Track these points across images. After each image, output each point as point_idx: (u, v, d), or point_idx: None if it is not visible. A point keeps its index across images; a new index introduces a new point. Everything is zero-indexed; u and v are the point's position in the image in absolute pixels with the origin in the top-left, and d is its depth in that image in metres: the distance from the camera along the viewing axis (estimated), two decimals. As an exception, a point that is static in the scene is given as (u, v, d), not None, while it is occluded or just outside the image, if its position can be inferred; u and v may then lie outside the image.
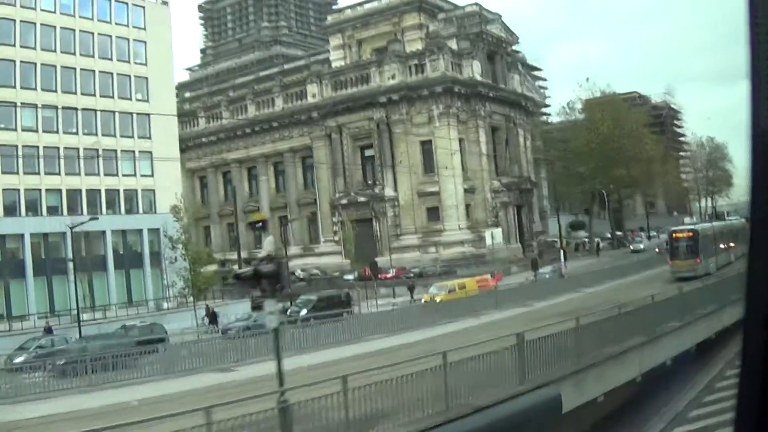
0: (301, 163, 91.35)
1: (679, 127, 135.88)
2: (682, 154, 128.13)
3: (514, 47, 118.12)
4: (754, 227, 2.45)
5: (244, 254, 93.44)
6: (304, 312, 44.72)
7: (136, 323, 41.52)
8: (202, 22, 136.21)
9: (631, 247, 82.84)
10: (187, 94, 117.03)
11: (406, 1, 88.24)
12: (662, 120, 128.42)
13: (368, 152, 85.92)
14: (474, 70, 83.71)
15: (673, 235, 49.28)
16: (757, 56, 2.32)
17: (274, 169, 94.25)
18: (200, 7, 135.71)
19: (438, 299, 42.28)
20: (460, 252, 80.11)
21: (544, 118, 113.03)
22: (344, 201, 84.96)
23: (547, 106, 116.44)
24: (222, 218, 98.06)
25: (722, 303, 27.83)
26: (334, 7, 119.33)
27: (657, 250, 71.41)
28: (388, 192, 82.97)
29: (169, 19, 67.13)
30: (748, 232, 2.45)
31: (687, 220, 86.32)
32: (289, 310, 47.47)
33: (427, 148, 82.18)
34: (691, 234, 47.49)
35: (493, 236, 63.72)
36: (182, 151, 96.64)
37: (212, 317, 44.85)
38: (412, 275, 72.44)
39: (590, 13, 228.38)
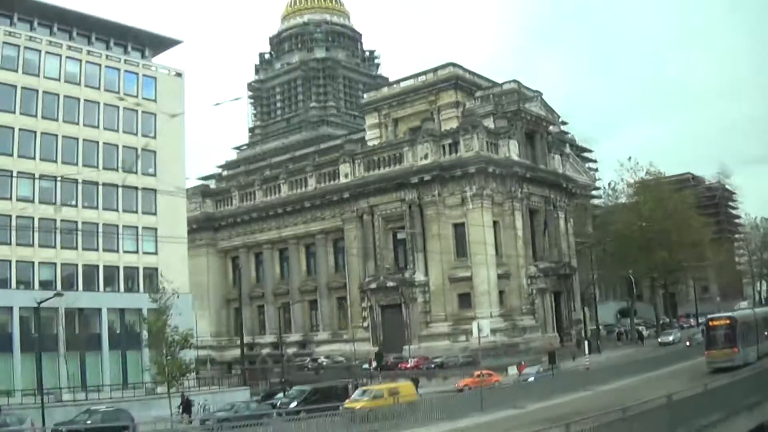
0: (332, 245, 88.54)
1: (734, 208, 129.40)
2: (737, 236, 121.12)
3: (562, 127, 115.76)
4: None
5: (271, 338, 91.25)
6: (293, 404, 41.27)
7: (101, 408, 39.00)
8: (252, 101, 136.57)
9: (659, 340, 76.59)
10: (225, 173, 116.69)
11: (443, 79, 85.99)
12: (716, 201, 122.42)
13: (401, 235, 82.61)
14: (510, 149, 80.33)
15: (710, 323, 45.88)
16: None
17: (305, 250, 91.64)
18: (249, 86, 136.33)
19: (358, 406, 34.46)
20: (491, 341, 75.40)
21: (594, 201, 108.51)
22: (373, 285, 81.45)
23: (597, 188, 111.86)
24: (253, 300, 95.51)
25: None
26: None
27: (687, 342, 66.00)
28: (419, 277, 79.24)
29: (182, 91, 65.65)
30: None
31: (743, 304, 79.94)
32: (279, 402, 44.94)
33: (460, 231, 78.56)
34: (728, 321, 44.12)
35: (480, 328, 59.82)
36: (215, 230, 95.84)
37: (186, 406, 41.69)
38: (433, 365, 68.19)
39: (650, 93, 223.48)
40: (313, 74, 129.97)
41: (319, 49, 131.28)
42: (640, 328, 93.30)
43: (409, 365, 68.81)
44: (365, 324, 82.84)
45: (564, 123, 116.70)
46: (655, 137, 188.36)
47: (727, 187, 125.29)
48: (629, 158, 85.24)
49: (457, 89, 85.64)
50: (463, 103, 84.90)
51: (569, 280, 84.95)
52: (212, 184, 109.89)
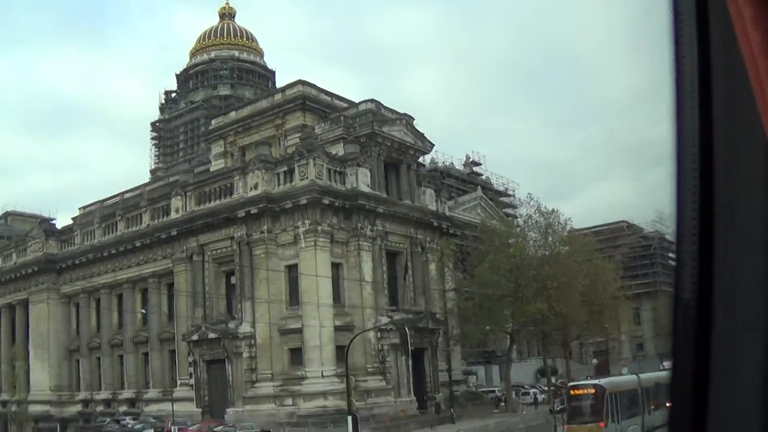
0: (166, 289, 76.46)
1: (674, 260, 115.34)
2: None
3: (474, 169, 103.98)
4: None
5: (106, 394, 79.60)
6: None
7: None
8: (155, 141, 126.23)
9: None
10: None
11: (290, 99, 74.87)
12: (652, 252, 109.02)
13: (234, 278, 70.63)
14: (359, 179, 68.36)
15: (570, 392, 41.60)
16: None
17: (141, 296, 79.54)
18: (153, 125, 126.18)
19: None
20: (320, 406, 62.50)
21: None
22: (195, 337, 69.01)
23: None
24: (92, 351, 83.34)
25: None
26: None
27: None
28: (245, 328, 66.70)
29: None
30: None
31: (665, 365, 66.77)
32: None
33: (294, 274, 66.34)
34: (593, 391, 39.19)
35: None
36: (58, 273, 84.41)
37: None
38: None
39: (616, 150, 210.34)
40: (215, 112, 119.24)
41: (224, 86, 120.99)
42: (534, 391, 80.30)
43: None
44: (191, 381, 70.36)
45: (476, 164, 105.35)
46: (623, 193, 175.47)
47: (666, 237, 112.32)
48: (528, 195, 73.36)
49: (306, 111, 74.38)
50: (312, 127, 73.32)
51: (434, 334, 71.73)
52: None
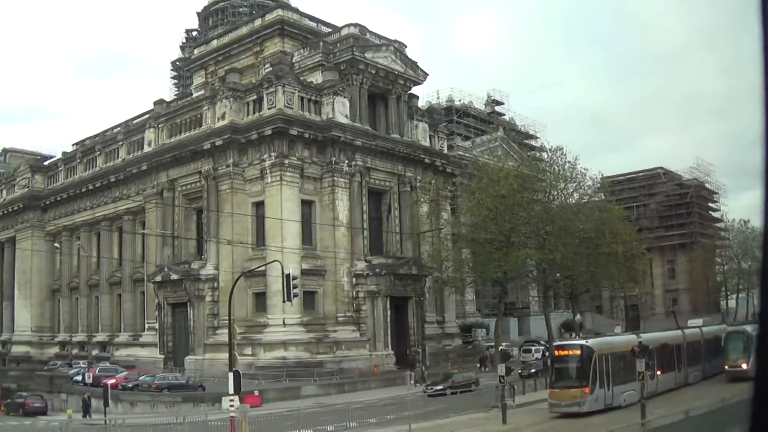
0: (141, 228, 71.51)
1: (714, 210, 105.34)
2: (717, 242, 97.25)
3: (496, 108, 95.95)
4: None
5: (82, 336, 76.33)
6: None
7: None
8: (176, 81, 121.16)
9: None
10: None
11: (268, 24, 68.19)
12: (688, 201, 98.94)
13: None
14: (336, 109, 61.64)
15: (555, 353, 36.83)
16: None
17: (118, 234, 75.07)
18: (173, 64, 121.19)
19: None
20: (280, 357, 57.05)
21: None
22: (158, 278, 64.26)
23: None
24: (72, 291, 79.75)
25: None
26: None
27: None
28: (208, 269, 61.53)
29: None
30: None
31: (697, 321, 58.69)
32: None
33: (261, 212, 60.57)
34: (578, 352, 34.63)
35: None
36: (43, 210, 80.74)
37: None
38: (130, 386, 50.17)
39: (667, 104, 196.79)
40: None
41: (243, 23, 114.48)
42: (541, 347, 73.05)
43: (114, 381, 51.00)
44: (157, 325, 65.92)
45: (499, 103, 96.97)
46: (672, 147, 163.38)
47: (706, 185, 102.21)
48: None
49: (285, 36, 67.88)
50: (291, 54, 66.64)
51: (419, 282, 65.03)
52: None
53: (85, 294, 77.21)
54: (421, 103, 76.46)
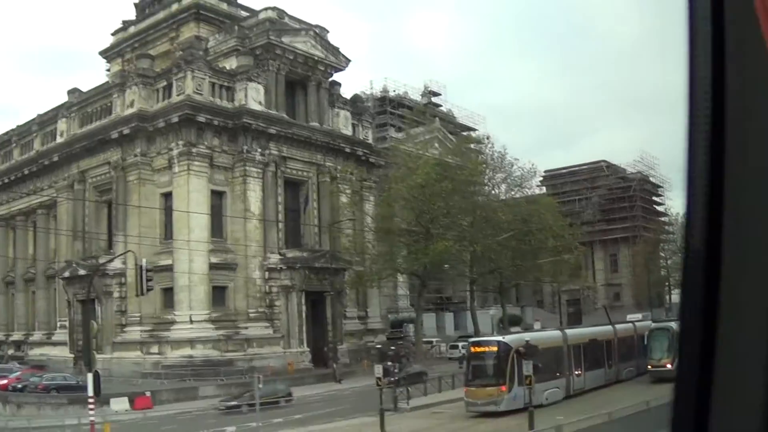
0: (54, 222, 68.88)
1: (659, 204, 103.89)
2: (662, 236, 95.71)
3: (433, 99, 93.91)
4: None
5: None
6: None
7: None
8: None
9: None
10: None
11: (183, 8, 65.77)
12: (631, 194, 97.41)
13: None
14: (249, 96, 59.29)
15: (471, 349, 35.29)
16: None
17: (33, 229, 72.28)
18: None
19: None
20: (186, 356, 54.64)
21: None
22: (66, 274, 61.69)
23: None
24: (8, 286, 76.46)
25: None
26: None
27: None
28: (115, 264, 58.88)
29: None
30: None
31: (635, 316, 57.11)
32: None
33: (170, 204, 58.14)
34: (495, 348, 33.23)
35: None
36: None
37: None
38: (20, 387, 47.74)
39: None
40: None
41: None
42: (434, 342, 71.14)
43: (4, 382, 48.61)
44: (67, 322, 63.33)
45: (436, 94, 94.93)
46: (621, 143, 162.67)
47: (651, 179, 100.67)
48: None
49: (201, 21, 65.52)
50: (207, 39, 64.25)
51: (338, 276, 62.70)
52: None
53: (1, 291, 74.33)
54: (357, 94, 74.42)
